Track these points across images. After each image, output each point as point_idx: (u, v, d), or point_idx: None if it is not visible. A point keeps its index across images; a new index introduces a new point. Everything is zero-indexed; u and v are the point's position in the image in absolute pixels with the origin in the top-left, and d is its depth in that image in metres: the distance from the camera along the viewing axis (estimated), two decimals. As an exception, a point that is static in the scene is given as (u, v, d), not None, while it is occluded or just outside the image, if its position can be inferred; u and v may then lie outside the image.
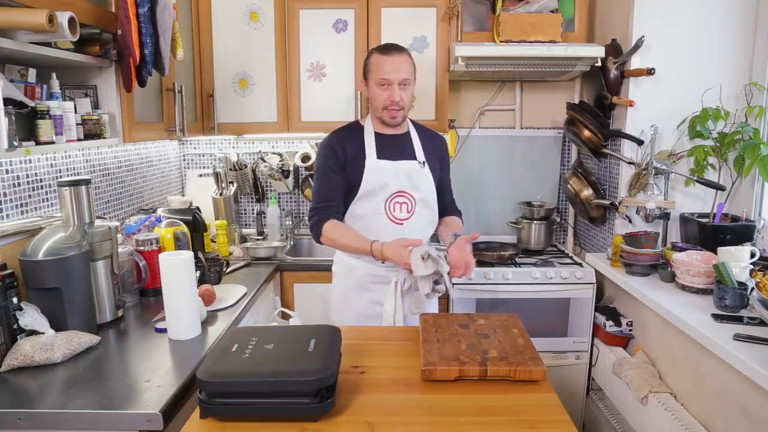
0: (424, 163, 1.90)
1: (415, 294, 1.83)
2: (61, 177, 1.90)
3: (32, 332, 1.39)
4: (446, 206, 2.03)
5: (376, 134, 1.88)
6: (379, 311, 1.86)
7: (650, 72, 2.15)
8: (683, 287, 1.93)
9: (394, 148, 1.88)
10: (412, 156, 1.90)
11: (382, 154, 1.85)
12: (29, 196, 1.75)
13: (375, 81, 1.80)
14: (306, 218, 1.86)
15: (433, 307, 1.99)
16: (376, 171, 1.84)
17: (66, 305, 1.46)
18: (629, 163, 2.29)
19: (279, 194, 2.96)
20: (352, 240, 1.80)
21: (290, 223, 2.89)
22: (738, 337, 1.51)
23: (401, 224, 1.85)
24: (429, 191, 1.90)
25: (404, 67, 1.80)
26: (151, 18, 1.65)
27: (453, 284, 1.91)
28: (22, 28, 1.30)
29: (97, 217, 1.69)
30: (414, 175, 1.87)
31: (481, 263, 2.48)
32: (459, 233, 1.82)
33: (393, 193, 1.84)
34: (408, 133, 1.93)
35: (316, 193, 1.89)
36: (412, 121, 1.99)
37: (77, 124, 1.61)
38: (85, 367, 1.34)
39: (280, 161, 2.83)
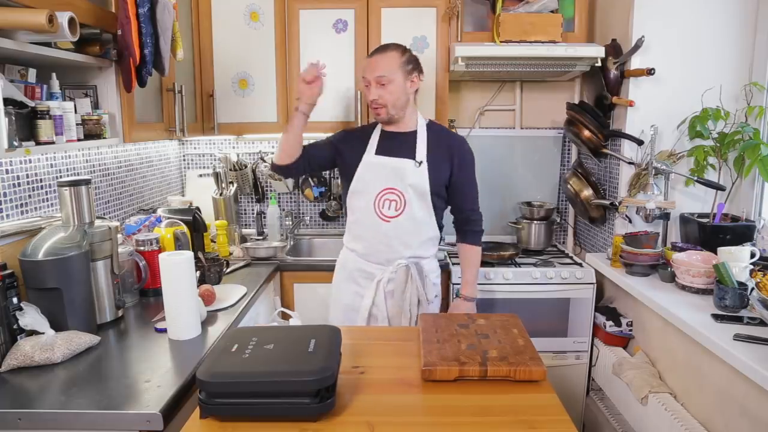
0: (420, 162, 1.90)
1: (399, 299, 1.92)
2: (61, 177, 1.90)
3: (32, 332, 1.39)
4: (462, 214, 2.01)
5: (383, 131, 1.93)
6: (361, 303, 1.95)
7: (650, 72, 2.15)
8: (683, 287, 1.93)
9: (395, 145, 1.92)
10: (410, 155, 1.91)
11: (380, 151, 1.90)
12: (29, 196, 1.75)
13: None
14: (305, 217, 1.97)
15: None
16: (368, 166, 1.90)
17: (66, 305, 1.46)
18: (629, 163, 2.29)
19: (279, 194, 2.96)
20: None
21: (290, 223, 2.89)
22: (738, 337, 1.51)
23: (388, 221, 1.89)
24: (422, 191, 1.90)
25: (380, 65, 1.82)
26: (151, 18, 1.65)
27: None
28: (22, 28, 1.30)
29: (97, 217, 1.68)
30: (407, 174, 1.89)
31: (481, 263, 2.48)
32: (459, 292, 2.03)
33: (382, 189, 1.88)
34: (414, 132, 1.94)
35: None
36: (432, 122, 2.03)
37: (77, 124, 1.61)
38: (85, 368, 1.34)
39: (280, 161, 2.83)
